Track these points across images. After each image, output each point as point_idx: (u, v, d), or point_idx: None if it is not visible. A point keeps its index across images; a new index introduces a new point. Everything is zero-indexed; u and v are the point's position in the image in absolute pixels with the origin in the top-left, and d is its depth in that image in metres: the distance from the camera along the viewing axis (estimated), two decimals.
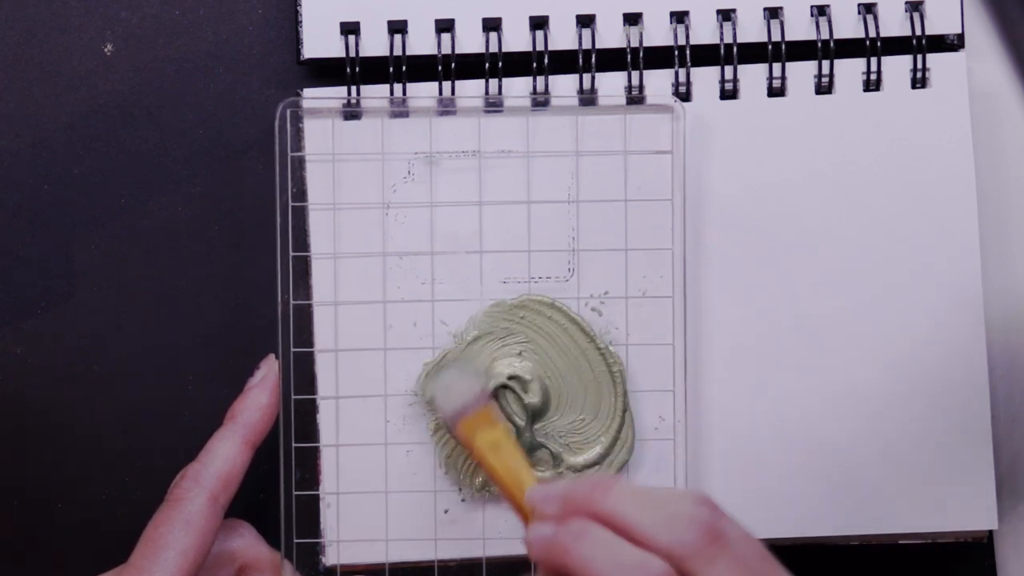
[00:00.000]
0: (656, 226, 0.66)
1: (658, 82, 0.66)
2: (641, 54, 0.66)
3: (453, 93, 0.66)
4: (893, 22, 0.67)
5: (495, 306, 0.66)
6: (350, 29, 0.65)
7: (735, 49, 0.66)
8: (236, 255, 0.67)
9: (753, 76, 0.67)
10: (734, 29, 0.66)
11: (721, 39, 0.66)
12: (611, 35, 0.66)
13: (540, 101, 0.66)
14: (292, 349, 0.65)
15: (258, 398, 0.64)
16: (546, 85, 0.66)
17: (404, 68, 0.66)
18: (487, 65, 0.66)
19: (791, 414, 0.66)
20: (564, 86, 0.66)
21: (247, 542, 0.64)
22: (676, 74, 0.66)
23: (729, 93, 0.66)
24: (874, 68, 0.66)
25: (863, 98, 0.67)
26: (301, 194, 0.66)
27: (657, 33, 0.66)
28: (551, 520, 0.55)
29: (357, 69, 0.65)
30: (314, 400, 0.66)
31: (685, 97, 0.66)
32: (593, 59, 0.66)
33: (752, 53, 0.67)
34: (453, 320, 0.66)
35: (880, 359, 0.66)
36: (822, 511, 0.66)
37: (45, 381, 0.67)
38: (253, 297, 0.67)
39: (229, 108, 0.67)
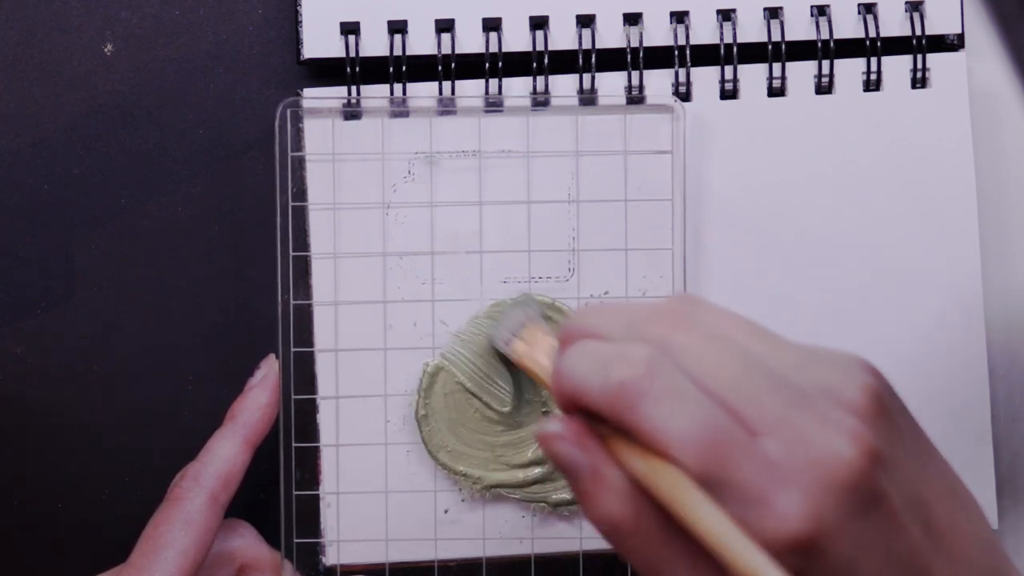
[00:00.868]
0: (656, 226, 0.66)
1: (658, 82, 0.66)
2: (641, 54, 0.66)
3: (453, 93, 0.66)
4: (893, 22, 0.67)
5: (495, 306, 0.66)
6: (350, 29, 0.65)
7: (735, 49, 0.66)
8: (236, 255, 0.67)
9: (753, 76, 0.67)
10: (734, 29, 0.66)
11: (721, 39, 0.66)
12: (611, 35, 0.66)
13: (540, 101, 0.66)
14: (292, 349, 0.65)
15: (258, 398, 0.64)
16: (546, 85, 0.66)
17: (404, 68, 0.66)
18: (487, 65, 0.66)
19: None
20: (564, 86, 0.66)
21: (247, 542, 0.64)
22: (676, 74, 0.66)
23: (729, 93, 0.66)
24: (874, 68, 0.66)
25: (863, 98, 0.67)
26: (301, 194, 0.66)
27: (657, 33, 0.66)
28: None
29: (357, 69, 0.65)
30: (314, 400, 0.66)
31: (685, 97, 0.66)
32: (593, 59, 0.66)
33: (752, 53, 0.67)
34: (453, 320, 0.66)
35: (880, 359, 0.66)
36: None
37: (45, 381, 0.67)
38: (253, 297, 0.67)
39: (229, 108, 0.67)
